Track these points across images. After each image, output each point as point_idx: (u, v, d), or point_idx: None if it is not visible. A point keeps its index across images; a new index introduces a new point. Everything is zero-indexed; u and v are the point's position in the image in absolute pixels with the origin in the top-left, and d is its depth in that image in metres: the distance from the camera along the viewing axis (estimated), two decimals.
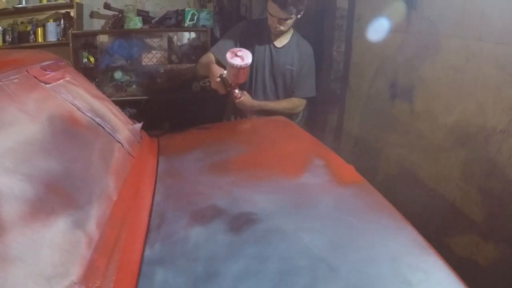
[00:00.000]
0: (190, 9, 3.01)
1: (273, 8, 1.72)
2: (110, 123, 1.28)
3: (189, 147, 1.52)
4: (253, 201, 1.00)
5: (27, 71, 1.11)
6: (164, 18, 3.00)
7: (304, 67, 1.93)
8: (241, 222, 0.89)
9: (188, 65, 3.26)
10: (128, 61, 3.06)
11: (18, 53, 1.48)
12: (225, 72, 1.57)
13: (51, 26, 3.05)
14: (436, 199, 1.81)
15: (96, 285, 0.67)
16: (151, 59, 3.12)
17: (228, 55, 1.53)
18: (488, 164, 1.52)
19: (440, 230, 1.83)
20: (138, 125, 1.56)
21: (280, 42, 1.91)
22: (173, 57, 3.19)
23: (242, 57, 1.52)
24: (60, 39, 3.10)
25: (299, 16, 1.78)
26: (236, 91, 1.61)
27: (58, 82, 1.22)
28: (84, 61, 2.97)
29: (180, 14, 3.05)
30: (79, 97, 1.24)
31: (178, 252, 0.80)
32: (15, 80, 1.00)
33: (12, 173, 0.72)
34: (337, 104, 2.75)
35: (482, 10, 1.49)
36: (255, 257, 0.76)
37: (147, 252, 0.81)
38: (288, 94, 1.99)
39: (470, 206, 1.62)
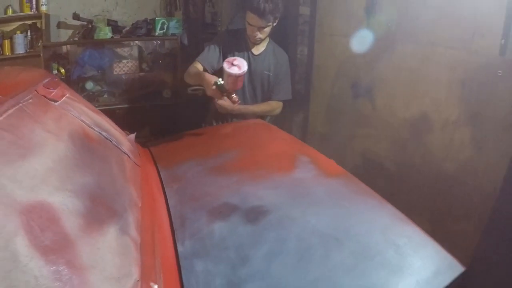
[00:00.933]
0: (160, 18, 3.08)
1: (251, 18, 1.87)
2: (114, 136, 1.36)
3: (183, 154, 1.62)
4: (259, 196, 1.15)
5: (36, 90, 1.14)
6: (135, 27, 3.04)
7: (281, 72, 2.10)
8: (255, 214, 1.04)
9: (159, 73, 3.33)
10: (100, 71, 3.06)
11: (16, 71, 1.48)
12: (220, 79, 1.65)
13: (18, 38, 2.96)
14: (399, 184, 2.05)
15: (152, 281, 0.78)
16: (122, 68, 3.14)
17: (226, 65, 1.62)
18: (444, 150, 1.78)
19: (405, 211, 2.08)
20: (132, 136, 1.64)
21: (257, 50, 2.06)
22: (144, 66, 3.24)
23: (239, 66, 1.62)
24: (28, 51, 3.01)
25: (275, 24, 1.94)
26: (234, 95, 1.69)
27: (63, 99, 1.27)
28: (54, 73, 2.93)
29: (150, 23, 3.10)
30: (83, 113, 1.30)
31: (208, 245, 0.93)
32: (30, 101, 1.04)
33: (62, 191, 0.80)
34: (302, 104, 2.94)
35: (434, 19, 1.74)
36: (276, 241, 0.92)
37: (180, 249, 0.93)
38: (266, 97, 2.15)
39: (429, 187, 1.88)
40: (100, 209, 0.85)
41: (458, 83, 1.66)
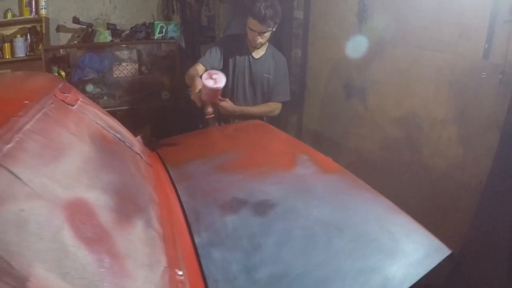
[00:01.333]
0: (158, 22, 3.16)
1: (253, 23, 1.96)
2: (126, 137, 1.44)
3: (189, 154, 1.71)
4: (265, 191, 1.25)
5: (54, 95, 1.21)
6: (134, 31, 3.12)
7: (279, 75, 2.20)
8: (263, 207, 1.14)
9: (157, 75, 3.42)
10: (100, 74, 3.13)
11: (26, 76, 1.54)
12: None
13: (19, 41, 2.99)
14: (391, 179, 2.16)
15: (177, 268, 0.87)
16: (121, 71, 3.22)
17: (204, 76, 1.64)
18: (433, 147, 1.89)
19: (397, 204, 2.19)
20: (138, 138, 1.72)
21: (257, 54, 2.16)
22: (143, 68, 3.32)
23: (216, 80, 1.63)
24: (28, 54, 3.05)
25: (274, 29, 2.04)
26: (209, 108, 1.73)
27: (78, 103, 1.34)
28: None
29: (148, 27, 3.18)
30: (97, 116, 1.38)
31: (223, 235, 1.03)
32: (52, 105, 1.11)
33: (93, 188, 0.89)
34: (296, 104, 3.05)
35: (423, 23, 1.85)
36: (283, 230, 1.03)
37: (197, 240, 1.03)
38: (266, 99, 2.25)
39: (419, 182, 2.00)
40: (127, 205, 0.94)
41: (446, 84, 1.77)
